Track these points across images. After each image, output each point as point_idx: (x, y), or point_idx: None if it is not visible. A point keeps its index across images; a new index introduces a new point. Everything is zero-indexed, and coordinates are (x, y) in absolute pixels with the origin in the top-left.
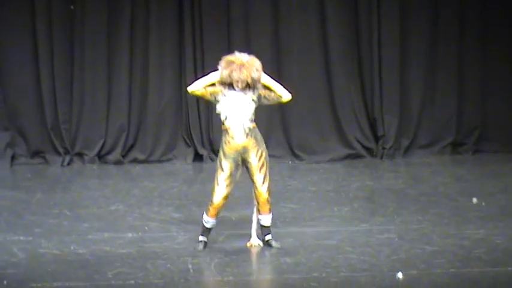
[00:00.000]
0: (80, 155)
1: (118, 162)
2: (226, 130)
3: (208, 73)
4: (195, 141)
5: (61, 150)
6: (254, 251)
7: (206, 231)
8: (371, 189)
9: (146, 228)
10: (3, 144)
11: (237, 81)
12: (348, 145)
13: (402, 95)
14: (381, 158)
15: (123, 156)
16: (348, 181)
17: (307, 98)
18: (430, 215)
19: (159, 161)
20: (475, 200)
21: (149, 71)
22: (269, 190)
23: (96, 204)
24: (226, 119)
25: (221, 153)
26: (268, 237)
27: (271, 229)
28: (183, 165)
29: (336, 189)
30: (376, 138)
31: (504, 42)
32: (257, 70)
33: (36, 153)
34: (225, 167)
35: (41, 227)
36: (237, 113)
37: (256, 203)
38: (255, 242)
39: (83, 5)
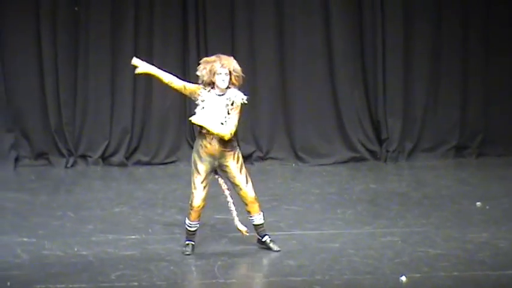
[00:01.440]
0: (83, 157)
1: (122, 164)
2: (203, 134)
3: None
4: None
5: (65, 152)
6: (256, 253)
7: (191, 234)
8: (374, 192)
9: (150, 230)
10: (7, 146)
11: (220, 73)
12: (352, 148)
13: (406, 98)
14: (385, 161)
15: (127, 158)
16: (351, 184)
17: (311, 100)
18: (433, 218)
19: (163, 163)
20: (478, 203)
21: None
22: (254, 189)
23: (99, 206)
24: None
25: (196, 156)
26: (266, 238)
27: (268, 231)
28: (187, 167)
29: (340, 192)
30: (380, 141)
31: (508, 44)
32: (236, 63)
33: (40, 155)
34: (201, 169)
35: (45, 229)
36: (215, 118)
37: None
38: (242, 228)
39: (87, 8)
